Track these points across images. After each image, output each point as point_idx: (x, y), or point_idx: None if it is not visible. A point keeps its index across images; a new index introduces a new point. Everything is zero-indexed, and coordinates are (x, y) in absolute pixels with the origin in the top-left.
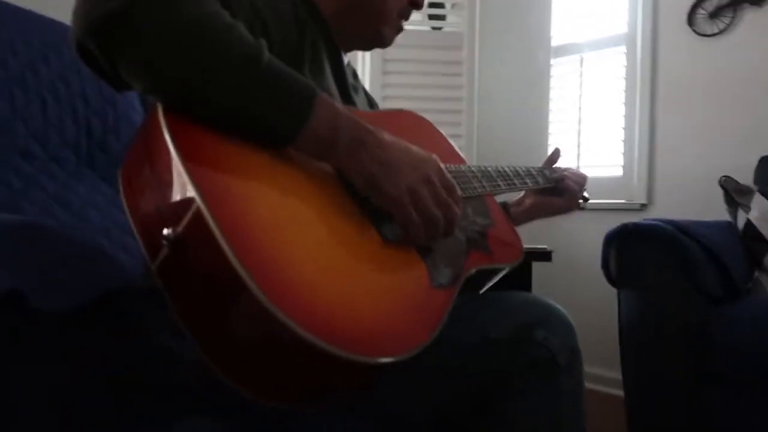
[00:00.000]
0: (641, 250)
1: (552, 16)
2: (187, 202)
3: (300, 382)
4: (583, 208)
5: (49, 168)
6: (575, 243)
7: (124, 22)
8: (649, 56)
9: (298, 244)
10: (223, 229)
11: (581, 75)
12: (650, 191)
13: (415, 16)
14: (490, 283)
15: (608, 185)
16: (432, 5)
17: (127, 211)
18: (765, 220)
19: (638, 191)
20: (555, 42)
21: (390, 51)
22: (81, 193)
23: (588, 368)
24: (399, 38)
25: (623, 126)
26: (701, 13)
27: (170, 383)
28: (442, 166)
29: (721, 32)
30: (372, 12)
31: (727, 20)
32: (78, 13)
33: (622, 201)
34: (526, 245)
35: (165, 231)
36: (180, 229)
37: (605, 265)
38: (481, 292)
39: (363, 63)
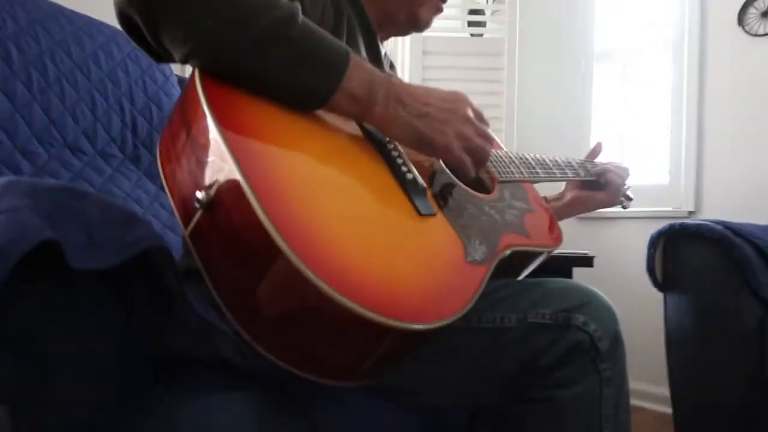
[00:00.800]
0: (689, 251)
1: (594, 21)
2: (220, 164)
3: (332, 350)
4: (626, 208)
5: (96, 163)
6: (619, 250)
7: None
8: (697, 58)
9: (331, 209)
10: (256, 190)
11: (625, 81)
12: (698, 198)
13: (455, 23)
14: (527, 270)
15: (654, 192)
16: (472, 12)
17: (163, 181)
18: None
19: (685, 198)
20: (598, 48)
21: (429, 58)
22: (125, 188)
23: (633, 384)
24: (438, 45)
25: (670, 131)
26: (753, 12)
27: (209, 356)
28: (469, 99)
29: None
30: None
31: None
32: None
33: (669, 209)
34: (566, 250)
35: (198, 194)
36: (213, 191)
37: (650, 267)
38: (519, 279)
39: (402, 69)
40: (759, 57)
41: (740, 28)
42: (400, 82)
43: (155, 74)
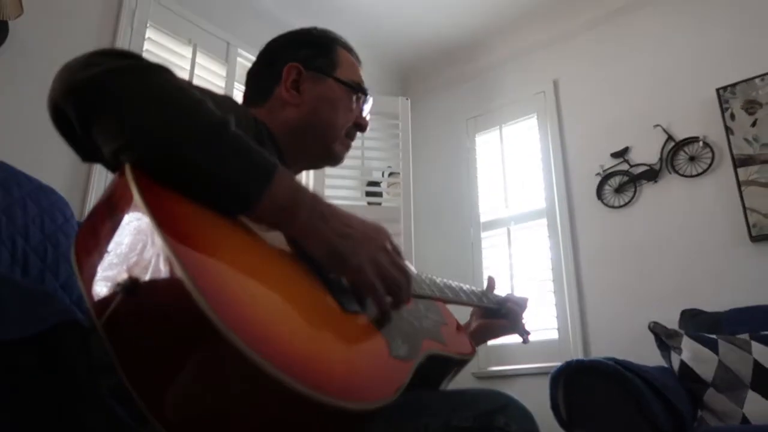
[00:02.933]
0: (587, 386)
1: (479, 195)
2: (150, 248)
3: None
4: (526, 342)
5: None
6: None
7: (103, 85)
8: (568, 226)
9: (264, 294)
10: (189, 270)
11: (510, 246)
12: (586, 348)
13: (355, 192)
14: (447, 381)
15: (546, 348)
16: (370, 184)
17: (77, 273)
18: (697, 360)
19: (575, 349)
20: (484, 218)
21: None
22: None
23: None
24: None
25: (553, 290)
26: (608, 188)
27: None
28: (390, 234)
29: (626, 204)
30: (323, 129)
31: (630, 194)
32: (60, 78)
33: (561, 362)
34: None
35: (119, 278)
36: (140, 273)
37: (554, 405)
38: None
39: None
40: (617, 224)
41: (599, 202)
42: (326, 200)
43: (55, 214)
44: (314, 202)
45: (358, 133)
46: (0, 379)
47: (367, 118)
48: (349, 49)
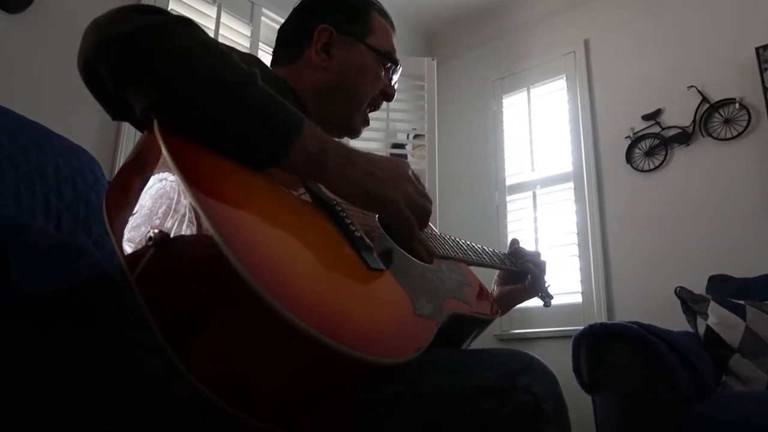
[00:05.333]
0: (610, 349)
1: (505, 158)
2: (180, 202)
3: (280, 379)
4: (548, 305)
5: None
6: None
7: (134, 42)
8: (596, 190)
9: (291, 249)
10: (218, 225)
11: (535, 210)
12: (610, 312)
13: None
14: (468, 341)
15: (569, 312)
16: (395, 146)
17: (108, 228)
18: (723, 325)
19: (599, 314)
20: (509, 181)
21: None
22: None
23: None
24: None
25: (578, 254)
26: (638, 152)
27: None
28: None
29: (656, 168)
30: (348, 96)
31: (660, 157)
32: (89, 35)
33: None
34: None
35: (150, 233)
36: (170, 227)
37: (577, 368)
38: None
39: None
40: (646, 188)
41: (629, 165)
42: (348, 145)
43: (86, 174)
44: (339, 149)
45: None
46: (37, 331)
47: (396, 87)
48: (384, 15)
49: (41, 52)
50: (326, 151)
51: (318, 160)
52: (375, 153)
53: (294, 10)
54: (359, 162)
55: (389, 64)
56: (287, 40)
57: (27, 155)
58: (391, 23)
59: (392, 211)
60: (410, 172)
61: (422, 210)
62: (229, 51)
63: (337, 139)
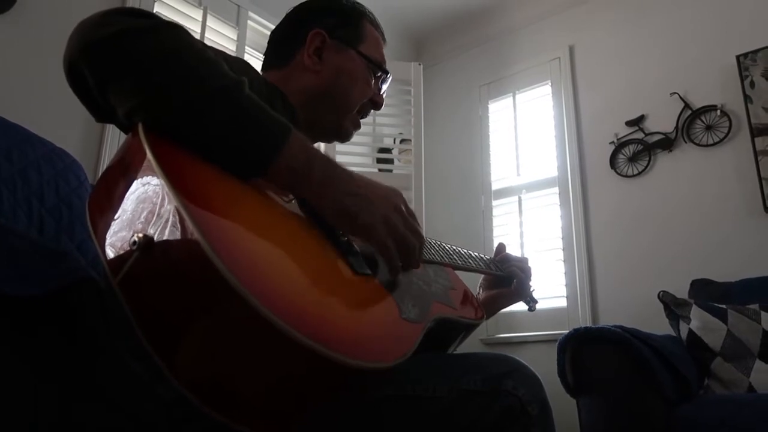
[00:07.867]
0: (594, 353)
1: (491, 163)
2: (164, 207)
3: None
4: (532, 310)
5: None
6: None
7: (120, 45)
8: (580, 195)
9: (277, 257)
10: (202, 227)
11: (521, 214)
12: (594, 316)
13: (366, 159)
14: (454, 345)
15: (554, 317)
16: (381, 150)
17: (91, 233)
18: (706, 329)
19: (583, 318)
20: (495, 186)
21: None
22: None
23: None
24: None
25: (563, 259)
26: (621, 157)
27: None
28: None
29: (640, 173)
30: (338, 100)
31: (644, 163)
32: (74, 37)
33: (570, 330)
34: None
35: (135, 237)
36: (154, 231)
37: (562, 372)
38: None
39: None
40: (630, 193)
41: (613, 171)
42: (338, 163)
43: (69, 177)
44: (326, 164)
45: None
46: (20, 337)
47: (384, 96)
48: (376, 26)
49: (23, 55)
50: (311, 166)
51: (300, 173)
52: (370, 179)
53: (287, 15)
54: (344, 180)
55: (379, 73)
56: (279, 43)
57: (9, 158)
58: (383, 34)
59: (367, 234)
60: (402, 204)
61: (404, 242)
62: (218, 57)
63: (326, 156)
